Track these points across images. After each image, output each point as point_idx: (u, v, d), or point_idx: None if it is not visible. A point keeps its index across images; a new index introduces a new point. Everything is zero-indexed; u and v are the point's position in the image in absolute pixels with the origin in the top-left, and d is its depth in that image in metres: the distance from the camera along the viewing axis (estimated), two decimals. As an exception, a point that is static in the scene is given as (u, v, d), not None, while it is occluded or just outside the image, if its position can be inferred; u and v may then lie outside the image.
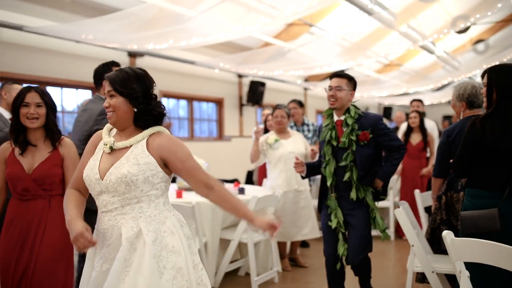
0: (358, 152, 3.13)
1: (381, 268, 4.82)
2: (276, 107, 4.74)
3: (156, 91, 2.07)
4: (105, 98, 2.03)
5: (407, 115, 6.65)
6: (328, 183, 3.24)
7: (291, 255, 4.94)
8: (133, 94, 1.96)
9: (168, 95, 8.71)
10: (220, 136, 10.05)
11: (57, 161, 2.63)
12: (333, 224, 3.24)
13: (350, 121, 3.13)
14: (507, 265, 2.10)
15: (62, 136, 2.71)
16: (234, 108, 10.34)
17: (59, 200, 2.46)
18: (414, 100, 6.48)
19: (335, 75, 3.26)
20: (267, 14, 7.34)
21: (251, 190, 4.69)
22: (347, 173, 3.16)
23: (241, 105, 10.38)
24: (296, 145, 4.63)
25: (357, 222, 3.21)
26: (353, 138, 3.11)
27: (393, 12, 7.70)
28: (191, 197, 4.06)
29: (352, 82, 3.22)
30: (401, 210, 3.10)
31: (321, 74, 11.84)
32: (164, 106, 2.07)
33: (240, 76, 10.23)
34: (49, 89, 6.70)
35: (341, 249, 3.23)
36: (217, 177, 5.68)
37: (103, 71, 3.12)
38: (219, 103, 9.99)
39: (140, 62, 7.86)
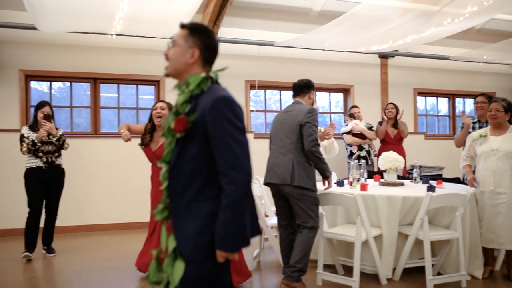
0: (176, 151, 1.89)
1: None
2: (492, 100, 4.37)
3: None
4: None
5: None
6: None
7: (509, 266, 4.37)
8: None
9: (424, 93, 8.61)
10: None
11: None
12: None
13: (181, 99, 1.91)
14: None
15: None
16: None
17: None
18: None
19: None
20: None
21: (447, 189, 4.47)
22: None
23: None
24: (506, 143, 4.15)
25: None
26: (172, 126, 1.87)
27: None
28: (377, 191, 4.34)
29: (197, 36, 1.92)
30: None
31: None
32: None
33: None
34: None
35: None
36: (452, 175, 5.46)
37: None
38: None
39: (392, 63, 8.11)
